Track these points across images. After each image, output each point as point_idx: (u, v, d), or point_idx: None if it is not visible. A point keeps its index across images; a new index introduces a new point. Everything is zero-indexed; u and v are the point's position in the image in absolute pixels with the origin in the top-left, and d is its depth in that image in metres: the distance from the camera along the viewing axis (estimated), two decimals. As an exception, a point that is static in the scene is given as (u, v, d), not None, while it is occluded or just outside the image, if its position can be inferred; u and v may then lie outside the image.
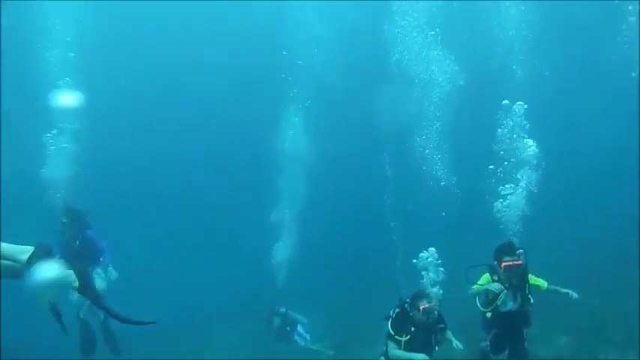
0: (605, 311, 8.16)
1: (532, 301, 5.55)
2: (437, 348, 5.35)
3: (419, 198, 10.90)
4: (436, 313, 5.28)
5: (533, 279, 5.67)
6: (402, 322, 5.28)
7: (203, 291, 12.81)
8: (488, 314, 5.57)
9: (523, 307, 5.54)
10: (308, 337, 9.26)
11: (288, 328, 9.20)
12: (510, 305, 5.49)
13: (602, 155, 14.91)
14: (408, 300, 5.34)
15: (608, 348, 7.38)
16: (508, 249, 5.48)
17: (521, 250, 5.49)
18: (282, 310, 9.31)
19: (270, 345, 9.34)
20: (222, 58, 17.52)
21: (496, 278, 5.44)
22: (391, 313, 5.40)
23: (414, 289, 5.52)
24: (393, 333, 5.27)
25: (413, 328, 5.22)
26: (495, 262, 5.49)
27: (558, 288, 5.64)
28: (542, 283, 5.70)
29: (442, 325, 5.40)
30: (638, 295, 7.83)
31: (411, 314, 5.26)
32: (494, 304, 5.46)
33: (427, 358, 5.03)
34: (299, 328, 9.27)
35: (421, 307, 5.17)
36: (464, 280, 5.48)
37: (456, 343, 5.45)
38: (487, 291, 5.46)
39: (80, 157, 8.05)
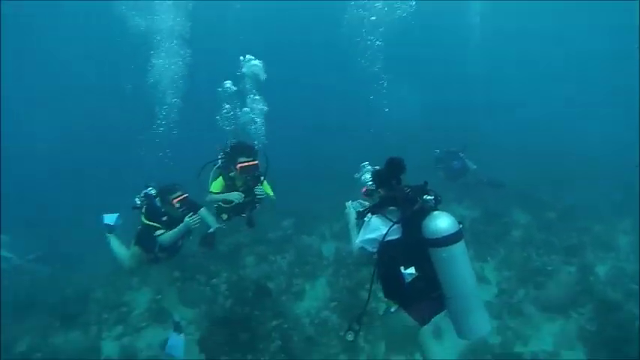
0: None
1: (259, 197, 5.78)
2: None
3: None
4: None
5: (266, 186, 5.87)
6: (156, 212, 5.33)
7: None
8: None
9: (250, 198, 5.72)
10: None
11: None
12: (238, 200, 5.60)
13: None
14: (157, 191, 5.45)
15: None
16: (245, 150, 5.55)
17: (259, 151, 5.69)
18: None
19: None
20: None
21: (230, 182, 5.56)
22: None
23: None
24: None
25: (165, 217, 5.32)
26: (231, 165, 5.55)
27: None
28: (270, 191, 5.96)
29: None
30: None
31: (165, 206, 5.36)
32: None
33: None
34: None
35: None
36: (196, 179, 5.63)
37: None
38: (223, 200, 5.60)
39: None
